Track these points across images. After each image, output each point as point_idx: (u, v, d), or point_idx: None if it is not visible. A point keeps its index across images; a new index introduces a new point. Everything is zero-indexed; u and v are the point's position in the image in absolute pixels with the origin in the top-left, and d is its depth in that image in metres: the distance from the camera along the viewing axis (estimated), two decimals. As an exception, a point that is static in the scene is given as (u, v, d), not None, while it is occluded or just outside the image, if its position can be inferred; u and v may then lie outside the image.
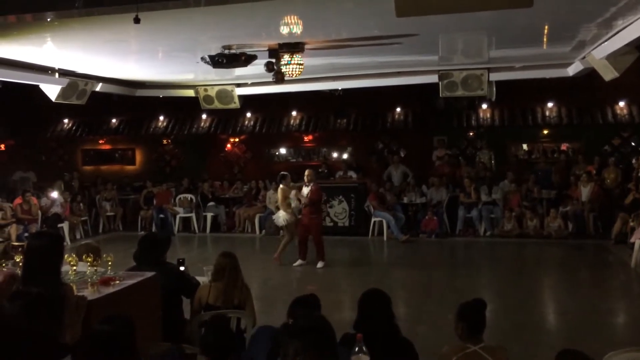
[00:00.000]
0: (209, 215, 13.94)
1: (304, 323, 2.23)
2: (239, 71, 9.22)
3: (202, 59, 7.63)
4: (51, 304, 3.20)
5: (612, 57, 7.86)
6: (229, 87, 11.35)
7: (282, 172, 10.14)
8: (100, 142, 16.98)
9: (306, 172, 10.01)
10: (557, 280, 9.36)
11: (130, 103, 13.55)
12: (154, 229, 13.39)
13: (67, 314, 3.37)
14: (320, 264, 9.72)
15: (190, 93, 11.69)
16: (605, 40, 7.58)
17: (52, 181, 13.78)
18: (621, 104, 13.36)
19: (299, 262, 9.84)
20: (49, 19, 5.64)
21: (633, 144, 13.69)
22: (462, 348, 3.39)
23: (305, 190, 9.89)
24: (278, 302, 7.70)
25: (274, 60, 7.82)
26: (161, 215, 13.67)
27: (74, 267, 4.33)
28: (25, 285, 3.41)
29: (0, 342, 2.21)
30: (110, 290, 4.20)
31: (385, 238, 12.28)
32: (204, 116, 15.45)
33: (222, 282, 4.76)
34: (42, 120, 16.03)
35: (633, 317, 7.15)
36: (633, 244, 9.45)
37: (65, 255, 4.03)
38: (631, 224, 10.19)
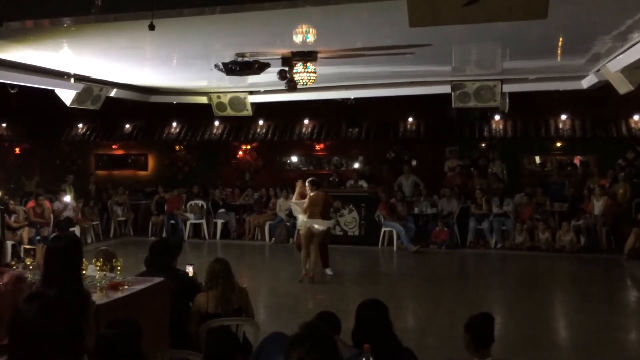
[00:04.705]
0: (219, 222, 13.97)
1: (306, 332, 2.25)
2: (252, 79, 9.25)
3: (216, 66, 7.67)
4: (70, 306, 3.21)
5: (627, 71, 7.80)
6: (241, 95, 11.39)
7: (314, 178, 9.63)
8: (114, 147, 17.09)
9: (307, 184, 9.44)
10: (568, 294, 9.27)
11: (144, 109, 13.63)
12: (164, 234, 13.45)
13: (88, 318, 3.41)
14: (330, 271, 9.66)
15: (203, 100, 11.74)
16: (621, 53, 7.52)
17: (59, 186, 13.90)
18: (636, 117, 13.24)
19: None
20: (65, 25, 5.70)
21: (647, 158, 13.56)
22: (468, 363, 3.35)
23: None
24: (286, 310, 7.70)
25: (287, 69, 7.85)
26: (172, 221, 13.73)
27: (84, 272, 4.35)
28: (45, 288, 3.43)
29: (16, 343, 2.22)
30: (119, 295, 4.23)
31: (395, 248, 12.23)
32: (216, 123, 15.51)
33: (218, 289, 4.74)
34: (57, 125, 16.18)
35: (645, 334, 7.07)
36: (646, 259, 9.35)
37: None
38: (644, 239, 10.09)
